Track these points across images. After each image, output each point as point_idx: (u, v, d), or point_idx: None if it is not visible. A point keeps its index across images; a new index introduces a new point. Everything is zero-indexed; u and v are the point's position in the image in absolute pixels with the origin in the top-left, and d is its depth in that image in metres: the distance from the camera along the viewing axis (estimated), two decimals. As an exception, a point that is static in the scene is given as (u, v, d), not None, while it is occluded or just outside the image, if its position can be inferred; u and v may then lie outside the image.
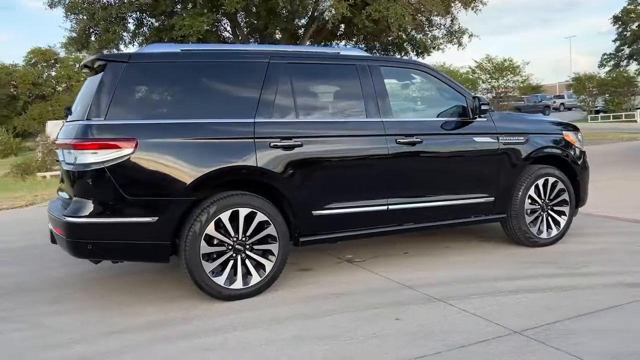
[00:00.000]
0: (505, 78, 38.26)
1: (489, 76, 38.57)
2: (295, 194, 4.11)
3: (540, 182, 5.09)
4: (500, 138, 4.90)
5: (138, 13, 15.68)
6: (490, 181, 4.89)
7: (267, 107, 4.07)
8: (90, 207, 3.62)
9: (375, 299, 3.87)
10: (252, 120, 3.98)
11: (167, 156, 3.70)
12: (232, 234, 3.89)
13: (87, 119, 3.63)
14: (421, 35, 16.92)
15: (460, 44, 17.51)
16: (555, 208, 5.22)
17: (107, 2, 14.41)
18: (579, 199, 5.40)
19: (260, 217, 3.95)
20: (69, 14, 14.82)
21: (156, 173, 3.69)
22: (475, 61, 39.26)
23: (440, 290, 4.00)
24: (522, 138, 5.02)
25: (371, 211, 4.39)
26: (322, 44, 18.07)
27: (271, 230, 4.00)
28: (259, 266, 4.00)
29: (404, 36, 16.68)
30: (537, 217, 5.14)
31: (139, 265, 4.84)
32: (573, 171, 5.31)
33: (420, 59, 18.36)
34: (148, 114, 3.79)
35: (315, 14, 15.33)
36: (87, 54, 15.41)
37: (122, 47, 15.55)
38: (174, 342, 3.26)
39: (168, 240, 3.73)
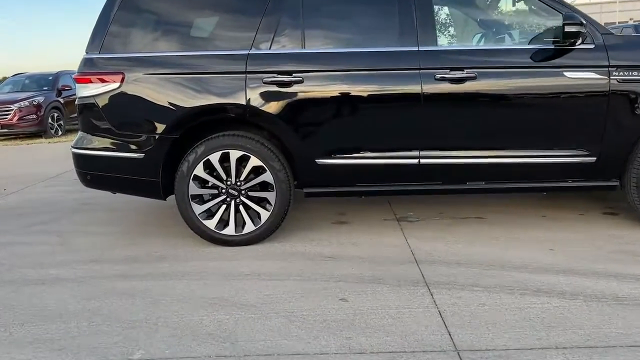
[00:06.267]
0: None
1: None
2: (294, 139, 3.58)
3: (688, 140, 3.44)
4: (613, 73, 3.41)
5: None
6: (590, 134, 3.50)
7: (267, 37, 3.55)
8: (87, 139, 3.76)
9: (361, 270, 3.20)
10: (245, 52, 3.54)
11: (152, 91, 3.56)
12: (224, 177, 3.63)
13: (86, 53, 3.71)
14: None
15: None
16: None
17: None
18: None
19: (254, 161, 3.58)
20: None
21: (141, 109, 3.60)
22: None
23: (448, 272, 3.10)
24: (656, 72, 3.41)
25: (394, 164, 3.58)
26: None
27: (267, 176, 3.60)
28: (254, 214, 3.68)
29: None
30: (678, 191, 3.54)
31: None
32: None
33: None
34: (139, 47, 3.66)
35: None
36: None
37: None
38: (138, 279, 3.26)
39: (156, 178, 3.66)
